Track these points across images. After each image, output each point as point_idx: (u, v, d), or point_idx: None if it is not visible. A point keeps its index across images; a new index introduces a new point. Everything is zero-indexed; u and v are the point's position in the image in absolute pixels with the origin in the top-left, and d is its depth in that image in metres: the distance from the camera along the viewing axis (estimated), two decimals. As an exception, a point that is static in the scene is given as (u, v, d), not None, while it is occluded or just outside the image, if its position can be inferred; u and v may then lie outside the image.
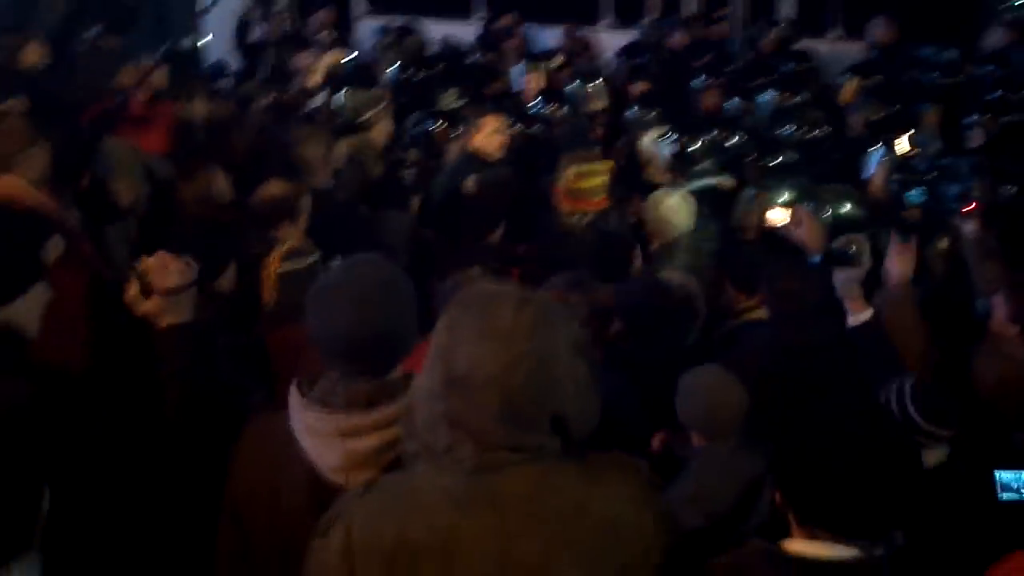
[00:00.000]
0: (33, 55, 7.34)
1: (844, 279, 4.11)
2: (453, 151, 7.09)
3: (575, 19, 11.54)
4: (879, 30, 10.11)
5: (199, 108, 6.87)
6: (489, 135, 6.76)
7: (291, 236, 5.06)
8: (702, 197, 6.10)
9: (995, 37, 9.85)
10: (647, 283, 4.84)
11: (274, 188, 5.27)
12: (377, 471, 2.52)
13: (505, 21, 11.17)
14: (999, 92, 7.91)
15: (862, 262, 4.11)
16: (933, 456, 3.49)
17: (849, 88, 7.84)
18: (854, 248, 4.18)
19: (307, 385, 2.66)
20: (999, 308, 4.31)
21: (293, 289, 4.39)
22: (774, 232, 5.08)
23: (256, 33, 10.52)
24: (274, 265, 4.40)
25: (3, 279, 3.39)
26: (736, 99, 8.00)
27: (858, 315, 4.09)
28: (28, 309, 3.41)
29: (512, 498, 2.12)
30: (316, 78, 8.52)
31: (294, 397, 2.65)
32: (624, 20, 11.96)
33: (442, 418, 2.13)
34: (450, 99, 8.18)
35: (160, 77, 6.97)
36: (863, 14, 10.64)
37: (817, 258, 4.25)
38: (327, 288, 2.71)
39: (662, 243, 5.85)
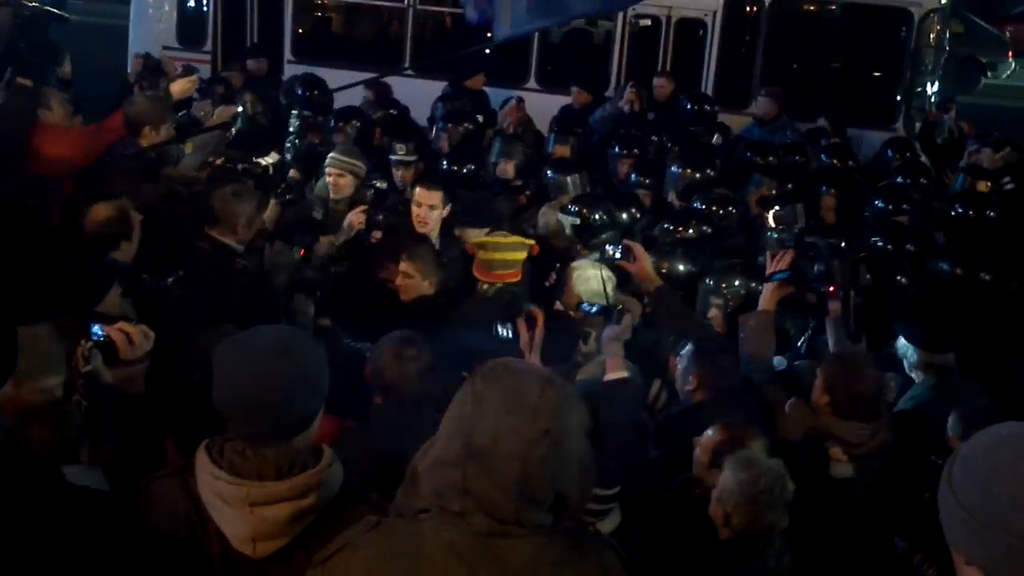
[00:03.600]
0: None
1: (609, 335, 4.36)
2: None
3: (503, 80, 11.74)
4: (765, 105, 10.45)
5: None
6: (426, 211, 6.61)
7: (127, 254, 5.26)
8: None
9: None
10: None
11: (103, 210, 5.31)
12: (287, 541, 2.55)
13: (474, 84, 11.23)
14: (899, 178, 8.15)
15: (624, 321, 4.37)
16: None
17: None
18: (621, 307, 4.43)
19: (216, 450, 2.63)
20: (819, 377, 4.71)
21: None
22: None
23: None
24: None
25: None
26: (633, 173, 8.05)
27: (614, 373, 4.32)
28: None
29: (514, 566, 2.20)
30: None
31: (203, 461, 2.62)
32: (547, 84, 12.14)
33: (456, 486, 2.19)
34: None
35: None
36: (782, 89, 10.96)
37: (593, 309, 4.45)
38: (227, 354, 2.71)
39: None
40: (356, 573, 2.25)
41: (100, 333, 3.27)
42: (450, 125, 9.10)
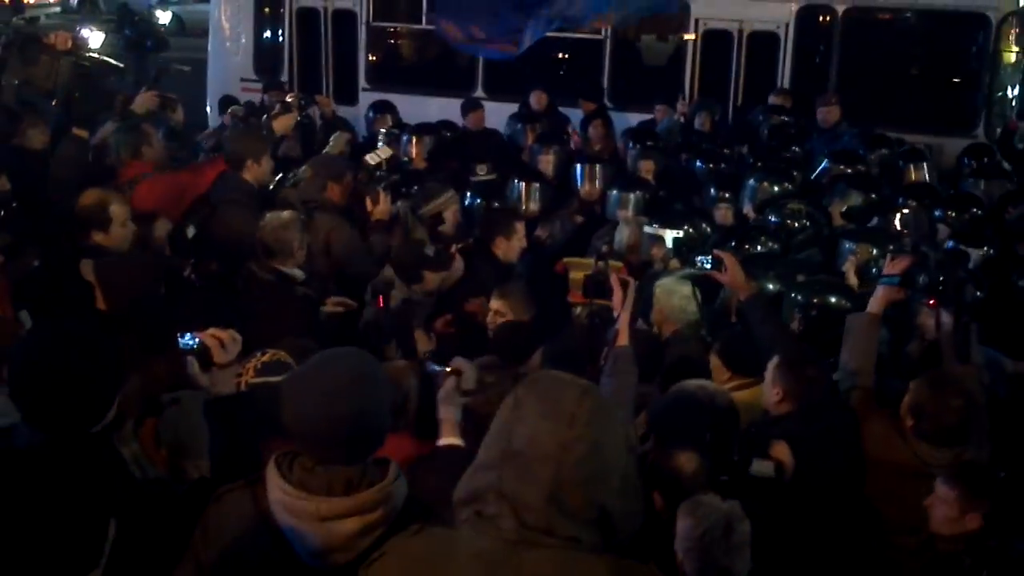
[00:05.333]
0: (37, 140, 7.61)
1: (441, 397, 3.92)
2: None
3: (576, 98, 11.77)
4: (826, 113, 10.27)
5: None
6: (519, 240, 6.80)
7: (106, 241, 5.64)
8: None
9: None
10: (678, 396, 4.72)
11: (88, 197, 5.71)
12: (356, 555, 2.59)
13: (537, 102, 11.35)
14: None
15: (448, 385, 3.92)
16: None
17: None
18: (450, 368, 4.00)
19: (286, 466, 2.70)
20: (908, 397, 4.59)
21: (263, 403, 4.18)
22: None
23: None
24: (247, 376, 4.02)
25: None
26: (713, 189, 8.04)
27: (446, 439, 3.85)
28: None
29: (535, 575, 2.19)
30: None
31: (272, 477, 2.69)
32: (619, 103, 12.14)
33: (491, 488, 2.24)
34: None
35: None
36: (858, 100, 10.85)
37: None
38: (300, 380, 2.77)
39: (672, 332, 5.82)
40: None
41: (193, 340, 3.39)
42: (553, 148, 9.25)
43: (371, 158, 7.40)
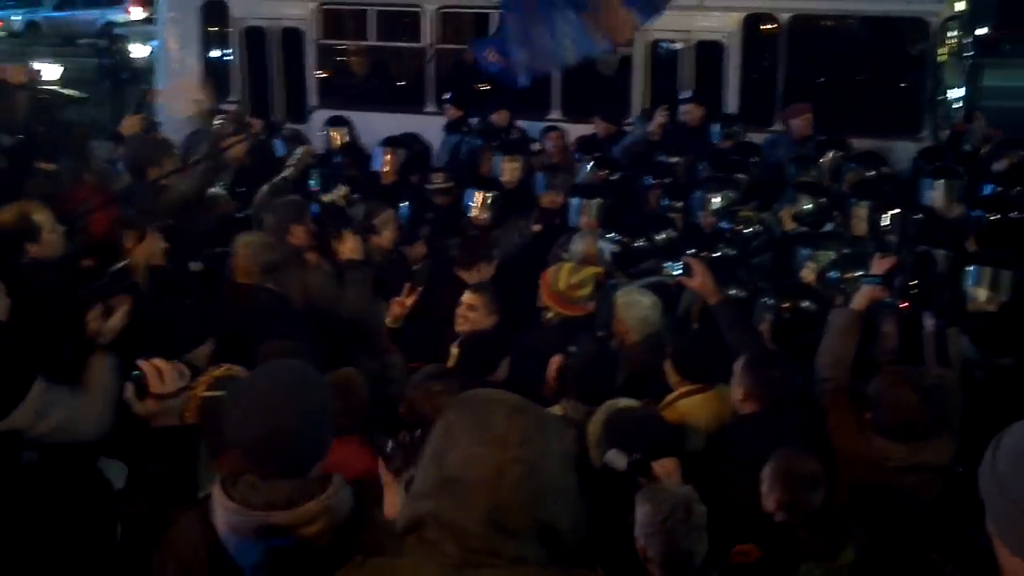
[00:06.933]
0: None
1: None
2: None
3: (528, 112, 11.80)
4: (797, 123, 10.38)
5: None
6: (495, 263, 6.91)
7: (41, 252, 5.54)
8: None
9: None
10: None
11: (6, 214, 5.57)
12: (298, 568, 2.61)
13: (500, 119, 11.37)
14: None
15: None
16: None
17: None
18: None
19: (230, 484, 2.73)
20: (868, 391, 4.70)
21: (213, 417, 3.89)
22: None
23: None
24: (200, 389, 4.04)
25: None
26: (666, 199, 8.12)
27: None
28: None
29: None
30: (292, 172, 8.67)
31: (218, 495, 2.72)
32: (571, 115, 12.18)
33: (430, 516, 2.18)
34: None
35: None
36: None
37: None
38: (242, 391, 2.81)
39: (632, 343, 5.84)
40: None
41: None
42: (514, 157, 9.33)
43: (325, 198, 7.45)
